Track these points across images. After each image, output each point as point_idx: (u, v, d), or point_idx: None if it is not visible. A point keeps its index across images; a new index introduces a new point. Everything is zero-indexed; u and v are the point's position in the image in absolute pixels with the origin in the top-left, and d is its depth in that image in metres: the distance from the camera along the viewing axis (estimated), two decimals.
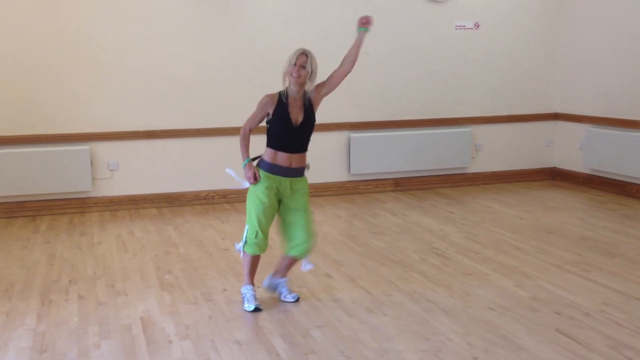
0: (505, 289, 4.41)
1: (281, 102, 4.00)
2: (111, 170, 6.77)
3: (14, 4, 6.33)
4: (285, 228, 4.16)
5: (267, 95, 4.05)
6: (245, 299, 4.13)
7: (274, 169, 4.02)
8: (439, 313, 4.00)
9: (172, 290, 4.45)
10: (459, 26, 7.65)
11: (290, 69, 3.94)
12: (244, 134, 4.11)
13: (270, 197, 4.01)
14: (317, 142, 7.15)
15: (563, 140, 8.11)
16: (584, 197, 7.25)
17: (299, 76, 3.92)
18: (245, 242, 4.07)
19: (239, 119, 6.94)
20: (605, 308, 4.04)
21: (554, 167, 8.24)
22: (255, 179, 4.01)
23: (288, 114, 3.98)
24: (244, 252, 4.13)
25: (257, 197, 4.02)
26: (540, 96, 8.12)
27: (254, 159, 4.08)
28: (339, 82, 4.09)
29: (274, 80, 6.97)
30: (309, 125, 4.04)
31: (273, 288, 4.31)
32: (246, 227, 4.08)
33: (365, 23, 4.09)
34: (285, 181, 4.03)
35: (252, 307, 4.07)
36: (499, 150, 8.04)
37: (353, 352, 3.51)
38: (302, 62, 3.92)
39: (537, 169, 8.22)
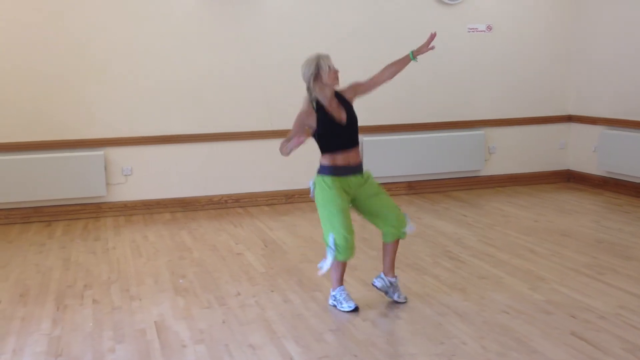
0: (520, 292, 4.39)
1: (319, 110, 4.03)
2: (125, 175, 6.81)
3: (28, 12, 6.39)
4: (372, 219, 4.21)
5: (302, 112, 4.06)
6: (342, 299, 4.13)
7: (335, 170, 4.06)
8: (453, 317, 3.99)
9: (186, 295, 4.46)
10: (471, 29, 7.64)
11: (329, 75, 3.99)
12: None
13: (341, 196, 4.04)
14: None
15: (577, 142, 8.07)
16: (599, 200, 7.21)
17: (337, 79, 4.05)
18: (337, 250, 4.02)
19: (252, 124, 7.07)
20: (620, 311, 4.00)
21: (569, 170, 8.19)
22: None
23: (332, 116, 4.04)
24: (336, 261, 4.09)
25: (330, 201, 4.02)
26: (554, 98, 8.08)
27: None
28: (375, 88, 4.24)
29: (286, 84, 7.02)
30: (353, 119, 4.12)
31: (386, 289, 4.27)
32: (331, 236, 4.01)
33: (419, 52, 4.27)
34: (350, 179, 4.08)
35: (353, 306, 4.09)
36: (512, 152, 8.01)
37: (367, 356, 3.50)
38: (334, 65, 4.04)
39: (551, 172, 8.17)
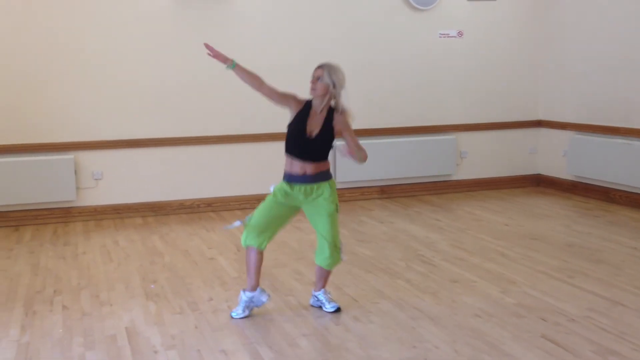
0: (491, 295, 4.42)
1: (304, 109, 4.01)
2: (95, 179, 6.73)
3: None
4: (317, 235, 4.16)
5: (296, 96, 4.07)
6: (242, 302, 4.12)
7: (290, 178, 4.03)
8: (425, 320, 4.01)
9: (158, 300, 4.42)
10: (442, 34, 7.70)
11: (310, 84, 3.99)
12: (260, 77, 4.10)
13: (279, 196, 4.02)
14: None
15: (547, 147, 8.17)
16: (569, 204, 7.30)
17: (314, 89, 3.97)
18: (245, 227, 4.08)
19: (222, 127, 7.04)
20: (590, 314, 4.06)
21: (539, 174, 8.30)
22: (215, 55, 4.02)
23: (305, 124, 3.99)
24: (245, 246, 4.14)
25: (269, 200, 4.07)
26: (524, 103, 8.17)
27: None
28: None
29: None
30: (323, 139, 4.02)
31: (316, 304, 4.25)
32: (251, 217, 4.10)
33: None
34: (304, 186, 4.02)
35: (240, 315, 4.09)
36: (483, 157, 8.08)
37: None
38: (318, 75, 3.96)
39: (522, 176, 8.27)
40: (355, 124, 7.51)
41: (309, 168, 4.01)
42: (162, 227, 6.43)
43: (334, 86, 3.96)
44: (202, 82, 6.92)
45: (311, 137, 3.97)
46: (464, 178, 8.02)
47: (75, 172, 6.60)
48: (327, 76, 3.94)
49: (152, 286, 4.70)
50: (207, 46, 4.04)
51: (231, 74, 4.13)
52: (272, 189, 4.10)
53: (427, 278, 4.80)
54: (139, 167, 6.85)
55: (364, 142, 7.37)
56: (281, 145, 4.08)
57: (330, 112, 4.03)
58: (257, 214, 4.06)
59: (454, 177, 7.99)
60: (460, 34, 7.76)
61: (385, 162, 7.57)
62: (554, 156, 8.04)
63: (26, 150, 6.47)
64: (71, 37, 6.51)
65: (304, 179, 4.01)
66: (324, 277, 4.21)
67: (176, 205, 6.97)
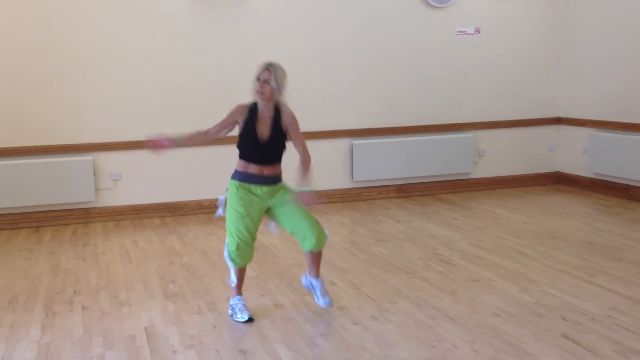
0: (511, 294, 4.39)
1: (251, 114, 3.99)
2: (114, 180, 6.77)
3: (15, 15, 6.35)
4: (288, 228, 4.10)
5: (239, 105, 4.05)
6: (237, 309, 4.09)
7: (246, 177, 4.01)
8: (444, 320, 3.98)
9: (176, 300, 4.44)
10: (460, 32, 7.66)
11: (255, 86, 3.95)
12: (199, 130, 4.16)
13: (246, 207, 3.98)
14: (320, 149, 7.24)
15: (566, 144, 8.10)
16: (589, 202, 7.23)
17: (263, 92, 3.93)
18: (229, 256, 4.04)
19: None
20: (611, 313, 4.01)
21: (558, 172, 8.22)
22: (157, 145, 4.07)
23: (255, 128, 3.97)
24: (235, 267, 4.10)
25: (232, 208, 4.01)
26: (543, 101, 8.10)
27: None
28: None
29: None
30: (275, 141, 4.01)
31: (309, 288, 4.24)
32: (226, 241, 4.06)
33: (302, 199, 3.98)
34: (262, 187, 4.01)
35: (246, 317, 4.03)
36: (502, 155, 8.02)
37: None
38: (266, 77, 3.92)
39: (541, 174, 8.20)
40: (373, 123, 7.61)
41: (266, 170, 4.01)
42: (180, 227, 6.45)
43: (279, 88, 3.94)
44: (219, 82, 6.93)
45: (263, 141, 3.96)
46: (483, 176, 7.97)
47: (94, 173, 6.65)
48: (273, 79, 3.91)
49: (171, 286, 4.72)
50: (149, 145, 4.06)
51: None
52: (221, 200, 4.13)
53: (445, 277, 4.78)
54: (157, 168, 6.88)
55: (380, 140, 7.47)
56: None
57: (277, 112, 4.01)
58: (234, 232, 3.99)
59: (472, 176, 7.94)
60: (477, 31, 7.71)
61: (403, 161, 7.54)
62: (574, 153, 7.96)
63: (46, 152, 6.52)
64: (89, 39, 6.55)
65: (262, 179, 4.01)
66: (316, 261, 4.16)
67: (194, 206, 7.00)
